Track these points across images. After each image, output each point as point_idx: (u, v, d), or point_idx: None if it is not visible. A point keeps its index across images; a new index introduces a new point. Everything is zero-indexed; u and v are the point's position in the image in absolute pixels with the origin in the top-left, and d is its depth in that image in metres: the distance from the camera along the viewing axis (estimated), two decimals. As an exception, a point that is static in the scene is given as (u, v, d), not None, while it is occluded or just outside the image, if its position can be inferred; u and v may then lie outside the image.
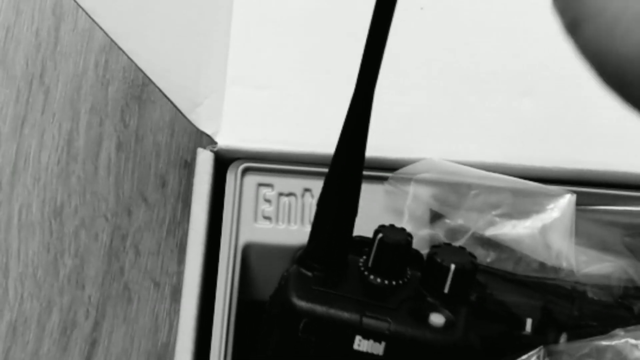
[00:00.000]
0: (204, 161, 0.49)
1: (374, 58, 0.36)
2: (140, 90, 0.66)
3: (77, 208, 0.63)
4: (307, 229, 0.49)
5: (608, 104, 0.51)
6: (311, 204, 0.50)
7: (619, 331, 0.46)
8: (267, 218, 0.50)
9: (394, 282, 0.41)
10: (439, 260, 0.41)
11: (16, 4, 0.68)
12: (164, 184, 0.63)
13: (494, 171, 0.49)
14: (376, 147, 0.48)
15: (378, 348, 0.40)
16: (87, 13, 0.45)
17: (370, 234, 0.43)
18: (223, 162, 0.50)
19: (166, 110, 0.65)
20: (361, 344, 0.40)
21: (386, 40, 0.36)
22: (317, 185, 0.50)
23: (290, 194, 0.50)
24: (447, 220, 0.49)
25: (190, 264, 0.47)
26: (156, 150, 0.64)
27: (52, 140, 0.64)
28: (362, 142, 0.39)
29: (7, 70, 0.66)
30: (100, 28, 0.46)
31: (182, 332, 0.46)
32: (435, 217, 0.49)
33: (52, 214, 0.62)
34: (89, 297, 0.60)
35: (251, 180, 0.50)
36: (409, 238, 0.42)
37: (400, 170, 0.49)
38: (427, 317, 0.40)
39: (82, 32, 0.67)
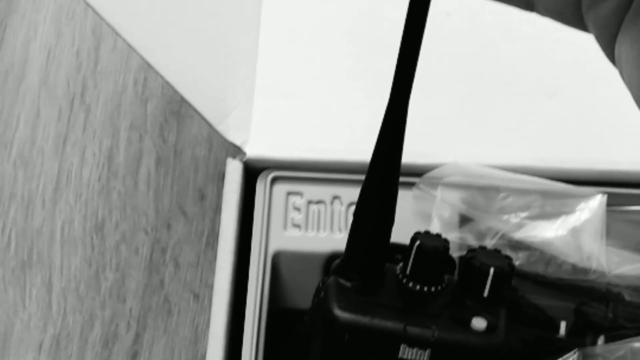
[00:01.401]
0: (234, 171, 0.50)
1: (408, 67, 0.36)
2: (179, 106, 0.67)
3: (117, 223, 0.64)
4: (337, 236, 0.50)
5: (632, 104, 0.51)
6: (340, 211, 0.50)
7: (655, 332, 0.46)
8: (297, 226, 0.50)
9: (432, 289, 0.41)
10: (477, 264, 0.41)
11: (57, 26, 0.70)
12: (202, 197, 0.64)
13: (523, 173, 0.49)
14: (403, 152, 0.48)
15: (423, 355, 0.40)
16: (115, 30, 0.46)
17: (399, 240, 0.42)
18: (252, 171, 0.51)
19: (204, 125, 0.66)
20: (406, 352, 0.40)
21: (419, 49, 0.35)
22: (345, 193, 0.51)
23: (319, 202, 0.51)
24: (476, 224, 0.48)
25: (220, 272, 0.48)
26: (194, 165, 0.65)
27: (93, 157, 0.66)
28: (398, 151, 0.38)
29: (49, 90, 0.68)
30: (128, 44, 0.47)
31: (212, 340, 0.46)
32: (464, 220, 0.49)
33: (93, 229, 0.63)
34: (130, 310, 0.61)
35: (280, 188, 0.51)
36: (446, 244, 0.41)
37: (427, 175, 0.49)
38: (469, 321, 0.40)
39: (121, 52, 0.69)
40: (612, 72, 0.51)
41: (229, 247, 0.48)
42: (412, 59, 0.36)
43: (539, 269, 0.48)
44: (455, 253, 0.46)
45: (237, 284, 0.49)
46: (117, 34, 0.46)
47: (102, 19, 0.45)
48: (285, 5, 0.54)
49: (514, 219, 0.48)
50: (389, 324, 0.40)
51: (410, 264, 0.41)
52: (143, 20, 0.49)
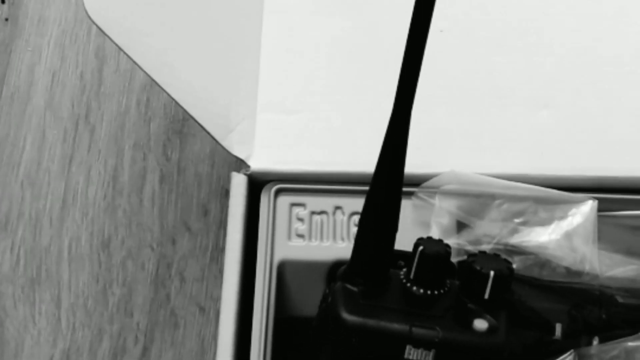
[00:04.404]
0: (238, 184, 0.52)
1: (410, 80, 0.38)
2: (181, 124, 0.69)
3: (123, 239, 0.65)
4: (339, 245, 0.51)
5: (623, 112, 0.53)
6: (342, 220, 0.52)
7: (647, 332, 0.47)
8: (301, 236, 0.52)
9: (435, 292, 0.43)
10: (477, 267, 0.42)
11: (61, 50, 0.72)
12: (206, 213, 0.66)
13: (517, 181, 0.50)
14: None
15: (428, 356, 0.41)
16: (122, 50, 0.48)
17: (400, 247, 0.44)
18: (257, 184, 0.53)
19: (206, 142, 0.68)
20: (412, 353, 0.41)
21: (421, 64, 0.38)
22: (347, 203, 0.53)
23: (322, 212, 0.52)
24: (473, 230, 0.50)
25: (227, 282, 0.49)
26: (198, 181, 0.67)
27: (98, 176, 0.67)
28: (400, 161, 0.41)
29: (55, 113, 0.70)
30: (134, 62, 0.48)
31: (221, 348, 0.48)
32: (462, 226, 0.51)
33: (100, 246, 0.65)
34: (138, 324, 0.63)
35: (284, 200, 0.52)
36: (448, 249, 0.43)
37: (425, 184, 0.51)
38: (471, 323, 0.42)
39: (124, 73, 0.71)
40: (599, 85, 0.53)
41: (235, 257, 0.50)
42: (414, 74, 0.38)
43: (534, 272, 0.49)
44: (453, 258, 0.48)
45: (243, 294, 0.50)
46: (124, 53, 0.48)
47: (109, 39, 0.47)
48: (286, 22, 0.56)
49: (509, 224, 0.50)
50: (395, 326, 0.41)
51: (414, 269, 0.43)
52: (148, 40, 0.51)
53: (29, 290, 0.64)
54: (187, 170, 0.67)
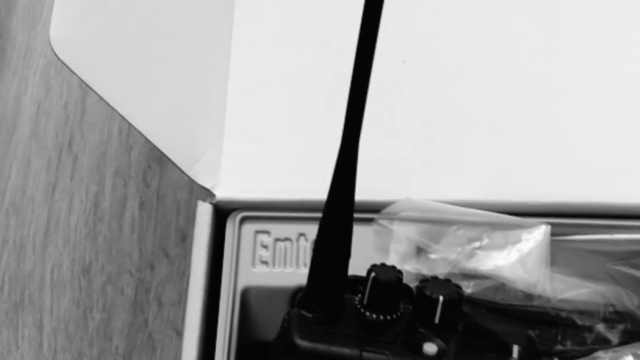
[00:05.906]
0: (203, 213, 0.53)
1: (357, 110, 0.39)
2: (161, 152, 0.70)
3: (103, 265, 0.67)
4: (302, 271, 0.53)
5: (577, 139, 0.54)
6: (306, 247, 0.53)
7: (600, 353, 0.48)
8: (264, 263, 0.53)
9: (388, 317, 0.44)
10: (427, 293, 0.44)
11: (46, 81, 0.74)
12: (184, 238, 0.67)
13: (472, 207, 0.52)
14: (363, 191, 0.51)
15: None
16: (85, 83, 0.49)
17: (364, 272, 0.45)
18: (222, 213, 0.54)
19: (185, 170, 0.70)
20: None
21: (366, 96, 0.39)
22: (311, 230, 0.54)
23: (286, 239, 0.54)
24: (430, 255, 0.51)
25: (190, 308, 0.51)
26: (176, 207, 0.69)
27: (80, 203, 0.69)
28: (350, 189, 0.42)
29: (39, 142, 0.72)
30: (99, 96, 0.50)
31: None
32: (420, 252, 0.52)
33: (81, 272, 0.67)
34: (116, 348, 0.64)
35: (249, 228, 0.54)
36: (400, 275, 0.44)
37: (383, 211, 0.52)
38: (421, 347, 0.43)
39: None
40: (554, 113, 0.54)
41: (199, 284, 0.51)
42: (361, 102, 0.39)
43: (490, 296, 0.50)
44: (412, 283, 0.49)
45: (209, 320, 0.51)
46: (89, 88, 0.49)
47: (75, 74, 0.49)
48: (253, 53, 0.58)
49: (465, 249, 0.51)
50: (346, 351, 0.43)
51: (366, 295, 0.44)
52: (113, 73, 0.52)
53: (12, 315, 0.66)
54: (166, 197, 0.69)
